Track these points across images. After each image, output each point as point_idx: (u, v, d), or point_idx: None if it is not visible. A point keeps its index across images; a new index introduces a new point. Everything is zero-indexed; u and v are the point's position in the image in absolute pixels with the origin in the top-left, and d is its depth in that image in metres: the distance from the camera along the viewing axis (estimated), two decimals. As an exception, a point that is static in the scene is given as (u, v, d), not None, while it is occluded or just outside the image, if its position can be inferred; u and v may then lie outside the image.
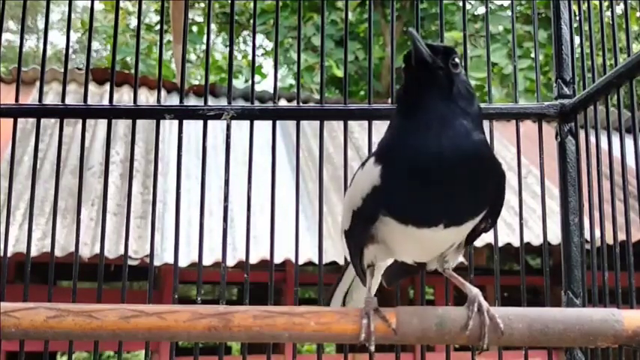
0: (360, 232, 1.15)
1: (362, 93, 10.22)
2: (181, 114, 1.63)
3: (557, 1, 1.65)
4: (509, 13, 9.69)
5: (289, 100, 6.76)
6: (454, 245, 1.15)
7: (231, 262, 4.29)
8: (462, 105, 1.07)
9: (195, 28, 11.13)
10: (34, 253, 3.86)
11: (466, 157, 1.02)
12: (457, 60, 1.09)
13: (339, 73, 9.09)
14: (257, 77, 10.83)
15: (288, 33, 9.99)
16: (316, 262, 1.63)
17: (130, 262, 2.26)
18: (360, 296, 1.31)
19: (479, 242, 2.51)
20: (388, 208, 1.07)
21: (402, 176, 1.05)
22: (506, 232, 4.90)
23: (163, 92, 2.17)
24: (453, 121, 1.04)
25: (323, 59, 1.67)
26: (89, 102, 1.68)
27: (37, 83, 3.29)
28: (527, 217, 5.15)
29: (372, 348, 1.08)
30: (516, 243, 4.70)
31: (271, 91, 3.51)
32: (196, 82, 9.76)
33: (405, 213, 1.06)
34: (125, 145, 5.45)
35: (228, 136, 1.61)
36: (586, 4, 1.68)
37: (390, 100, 1.72)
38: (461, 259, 1.28)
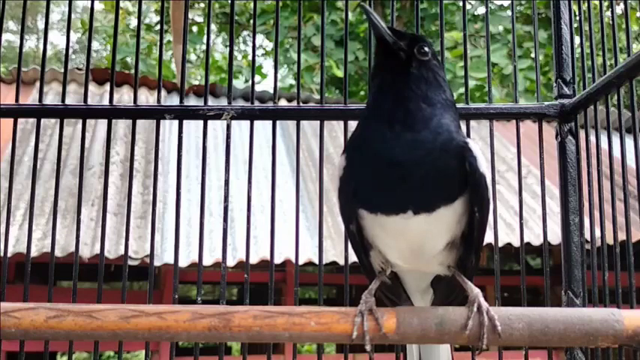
0: (347, 223, 1.15)
1: (362, 93, 10.22)
2: (181, 114, 1.63)
3: (557, 1, 1.65)
4: (509, 13, 9.70)
5: (289, 100, 6.76)
6: (446, 243, 1.11)
7: (231, 262, 4.29)
8: (424, 91, 1.07)
9: (195, 28, 11.14)
10: (34, 253, 3.87)
11: (419, 143, 1.03)
12: (426, 49, 1.11)
13: (339, 73, 9.09)
14: (257, 77, 10.84)
15: (288, 33, 10.00)
16: (316, 262, 1.63)
17: (130, 262, 2.26)
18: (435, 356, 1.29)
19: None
20: (355, 196, 1.09)
21: (359, 164, 1.08)
22: (506, 232, 4.91)
23: (163, 92, 2.18)
24: (411, 106, 1.05)
25: (323, 59, 1.67)
26: (89, 102, 1.68)
27: (37, 83, 3.29)
28: (527, 217, 5.15)
29: (368, 347, 1.07)
30: (516, 243, 4.70)
31: (271, 91, 3.51)
32: (196, 82, 9.76)
33: (367, 199, 1.08)
34: (125, 145, 5.45)
35: (228, 136, 1.61)
36: (586, 4, 1.68)
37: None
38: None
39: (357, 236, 1.15)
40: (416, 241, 1.09)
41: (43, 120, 1.67)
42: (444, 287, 1.26)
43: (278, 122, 1.63)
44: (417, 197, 1.03)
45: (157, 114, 1.64)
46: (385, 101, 1.08)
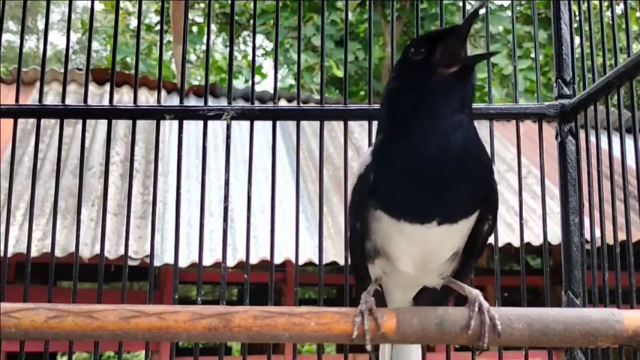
0: (357, 226, 1.13)
1: (362, 93, 10.22)
2: (181, 114, 1.63)
3: (557, 1, 1.65)
4: (509, 13, 9.70)
5: (289, 101, 6.77)
6: (452, 254, 1.13)
7: (231, 262, 4.29)
8: (464, 101, 1.05)
9: (195, 29, 11.14)
10: (34, 253, 3.86)
11: (462, 155, 1.02)
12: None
13: (339, 73, 9.09)
14: (257, 77, 10.85)
15: (288, 33, 10.00)
16: (316, 262, 1.63)
17: (130, 263, 2.26)
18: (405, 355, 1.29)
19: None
20: (380, 200, 1.06)
21: (393, 167, 1.05)
22: (506, 232, 4.90)
23: (163, 92, 2.18)
24: (455, 117, 1.03)
25: (323, 59, 1.67)
26: (89, 102, 1.68)
27: (37, 83, 3.29)
28: (527, 217, 5.14)
29: (369, 347, 1.07)
30: (516, 243, 4.70)
31: (271, 91, 3.51)
32: (196, 83, 9.76)
33: (393, 204, 1.05)
34: (125, 146, 5.45)
35: (228, 136, 1.61)
36: (586, 4, 1.68)
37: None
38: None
39: (359, 235, 1.14)
40: (429, 250, 1.10)
41: (43, 120, 1.67)
42: (424, 302, 1.27)
43: (278, 122, 1.63)
44: (447, 209, 1.03)
45: (157, 114, 1.64)
46: (432, 112, 1.03)
